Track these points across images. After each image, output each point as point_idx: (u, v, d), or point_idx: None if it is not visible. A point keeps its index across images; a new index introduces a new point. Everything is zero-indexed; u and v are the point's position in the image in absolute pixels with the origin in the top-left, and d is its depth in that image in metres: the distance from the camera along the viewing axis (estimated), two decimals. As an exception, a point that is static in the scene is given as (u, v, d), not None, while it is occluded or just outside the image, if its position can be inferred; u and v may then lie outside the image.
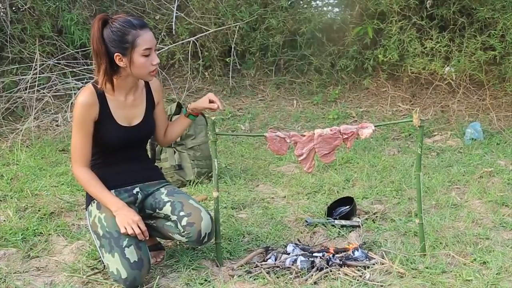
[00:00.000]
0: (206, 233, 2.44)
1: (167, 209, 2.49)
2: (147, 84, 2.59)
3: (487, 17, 5.40)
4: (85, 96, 2.41)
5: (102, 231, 2.39)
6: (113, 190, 2.50)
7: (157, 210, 2.53)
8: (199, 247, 2.68)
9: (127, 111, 2.50)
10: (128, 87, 2.48)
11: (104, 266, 2.46)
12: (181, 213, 2.45)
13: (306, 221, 3.09)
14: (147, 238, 2.40)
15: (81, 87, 5.16)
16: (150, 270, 2.45)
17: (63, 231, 2.94)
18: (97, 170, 2.48)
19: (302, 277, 2.46)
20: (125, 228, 2.33)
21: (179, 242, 2.81)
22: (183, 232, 2.44)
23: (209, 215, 2.47)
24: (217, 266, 2.59)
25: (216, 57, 6.11)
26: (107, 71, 2.39)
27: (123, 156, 2.54)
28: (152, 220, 2.57)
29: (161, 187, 2.61)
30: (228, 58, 6.10)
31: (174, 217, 2.46)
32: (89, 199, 2.51)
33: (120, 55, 2.36)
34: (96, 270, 2.53)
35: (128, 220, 2.34)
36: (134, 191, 2.56)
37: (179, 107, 3.94)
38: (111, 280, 2.40)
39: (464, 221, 3.11)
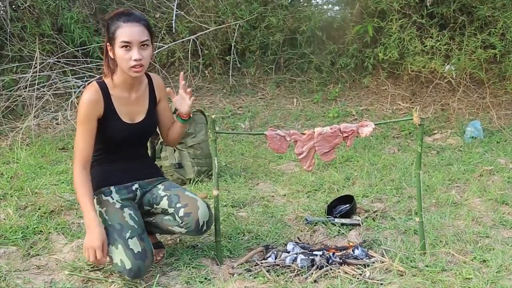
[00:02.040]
0: (204, 221, 2.46)
1: (164, 203, 2.51)
2: (150, 81, 2.59)
3: (488, 15, 5.39)
4: (90, 94, 2.43)
5: (104, 225, 2.40)
6: (114, 187, 2.52)
7: (155, 206, 2.55)
8: (199, 237, 2.66)
9: (131, 108, 2.51)
10: (127, 83, 2.48)
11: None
12: (178, 205, 2.47)
13: (306, 220, 3.09)
14: (103, 265, 2.40)
15: (81, 86, 5.16)
16: (150, 269, 2.46)
17: (63, 229, 2.94)
18: (98, 166, 2.52)
19: (302, 276, 2.46)
20: (86, 250, 2.33)
21: (179, 240, 2.82)
22: (181, 223, 2.46)
23: (205, 204, 2.50)
24: (217, 265, 2.59)
25: (216, 55, 6.11)
26: (105, 60, 2.47)
27: (124, 153, 2.56)
28: (151, 217, 2.58)
29: (159, 184, 2.63)
30: (228, 57, 6.09)
31: (171, 210, 2.48)
32: None
33: (109, 45, 2.42)
34: (96, 268, 2.53)
35: (89, 244, 2.31)
36: (133, 188, 2.58)
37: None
38: (111, 279, 2.41)
39: (464, 220, 3.11)
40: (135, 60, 2.36)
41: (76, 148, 2.43)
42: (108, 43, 2.42)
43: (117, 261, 2.32)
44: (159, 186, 2.60)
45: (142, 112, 2.55)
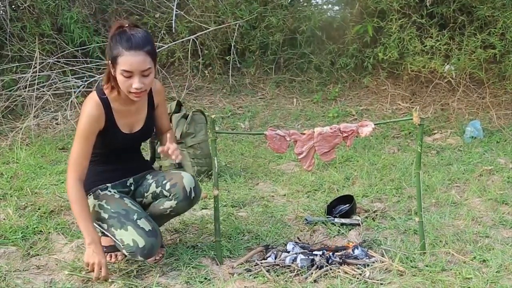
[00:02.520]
0: (190, 187, 2.49)
1: (152, 187, 2.58)
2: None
3: (487, 15, 5.39)
4: (92, 109, 2.40)
5: (106, 214, 2.43)
6: (110, 184, 2.56)
7: (145, 194, 2.61)
8: (191, 207, 2.62)
9: (130, 119, 2.52)
10: (129, 98, 2.42)
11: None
12: (164, 182, 2.54)
13: (306, 220, 3.09)
14: (106, 280, 2.40)
15: (81, 86, 5.16)
16: (150, 268, 2.46)
17: (63, 229, 2.94)
18: (95, 166, 2.52)
19: (302, 276, 2.46)
20: (88, 264, 2.35)
21: (179, 240, 2.82)
22: (170, 195, 2.50)
23: (190, 174, 2.55)
24: (217, 265, 2.59)
25: (216, 55, 6.10)
26: (107, 75, 2.41)
27: (120, 156, 2.59)
28: (145, 211, 2.59)
29: (147, 174, 2.67)
30: (228, 57, 6.08)
31: (159, 189, 2.54)
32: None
33: (111, 63, 2.35)
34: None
35: (95, 259, 2.34)
36: (128, 183, 2.63)
37: (179, 105, 3.95)
38: (111, 279, 2.41)
39: (464, 219, 3.12)
40: (136, 89, 2.33)
41: (73, 159, 2.42)
42: (110, 61, 2.35)
43: (129, 241, 2.35)
44: (148, 176, 2.66)
45: (141, 120, 2.56)
